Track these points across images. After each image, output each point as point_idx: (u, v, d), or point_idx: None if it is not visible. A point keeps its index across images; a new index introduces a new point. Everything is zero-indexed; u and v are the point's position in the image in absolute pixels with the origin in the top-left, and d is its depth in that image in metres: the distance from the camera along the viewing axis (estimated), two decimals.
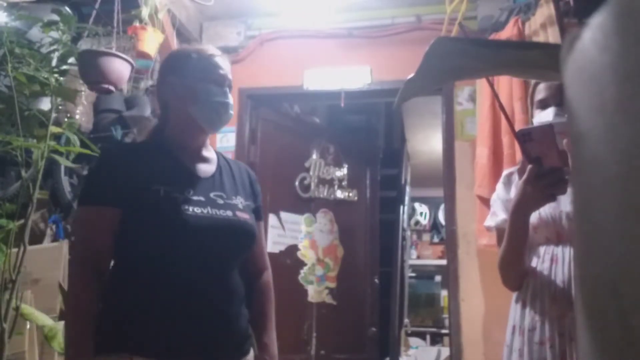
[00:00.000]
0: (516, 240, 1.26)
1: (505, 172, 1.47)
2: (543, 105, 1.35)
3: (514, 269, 1.32)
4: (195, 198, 1.20)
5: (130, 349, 1.11)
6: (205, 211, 1.19)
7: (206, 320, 1.16)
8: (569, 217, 1.27)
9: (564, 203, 1.22)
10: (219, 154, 1.37)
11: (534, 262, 1.33)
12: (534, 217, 1.27)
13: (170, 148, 1.27)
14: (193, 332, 1.14)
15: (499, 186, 1.45)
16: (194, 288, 1.17)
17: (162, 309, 1.14)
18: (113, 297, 1.18)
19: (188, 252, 1.18)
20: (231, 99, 1.31)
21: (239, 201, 1.29)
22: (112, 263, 1.23)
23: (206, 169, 1.29)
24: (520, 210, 1.21)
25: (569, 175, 1.09)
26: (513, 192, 1.38)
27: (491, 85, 1.60)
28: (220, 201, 1.24)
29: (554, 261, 1.28)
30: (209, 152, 1.33)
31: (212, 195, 1.24)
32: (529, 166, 1.14)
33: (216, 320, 1.18)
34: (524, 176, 1.15)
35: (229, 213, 1.23)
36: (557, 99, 1.32)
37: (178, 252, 1.17)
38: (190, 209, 1.17)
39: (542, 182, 1.12)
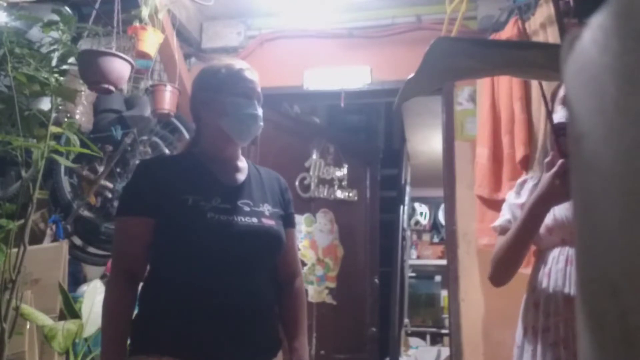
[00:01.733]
0: (525, 231, 1.24)
1: (519, 181, 1.47)
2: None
3: (511, 261, 1.30)
4: (222, 206, 1.25)
5: (160, 350, 1.17)
6: (230, 218, 1.24)
7: (231, 323, 1.20)
8: None
9: None
10: (250, 164, 1.42)
11: (549, 264, 1.31)
12: (548, 219, 1.26)
13: (203, 159, 1.33)
14: (218, 334, 1.18)
15: (510, 194, 1.45)
16: (219, 292, 1.20)
17: (188, 312, 1.19)
18: (145, 301, 1.25)
19: (213, 258, 1.22)
20: (260, 110, 1.35)
21: (266, 208, 1.33)
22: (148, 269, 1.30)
23: (236, 178, 1.35)
24: (542, 201, 1.19)
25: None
26: (524, 197, 1.38)
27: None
28: (247, 208, 1.29)
29: (569, 262, 1.27)
30: (241, 162, 1.39)
31: (239, 203, 1.29)
32: (560, 160, 1.13)
33: (241, 323, 1.21)
34: (554, 169, 1.14)
35: (254, 220, 1.28)
36: None
37: (203, 257, 1.22)
38: (216, 216, 1.22)
39: None
